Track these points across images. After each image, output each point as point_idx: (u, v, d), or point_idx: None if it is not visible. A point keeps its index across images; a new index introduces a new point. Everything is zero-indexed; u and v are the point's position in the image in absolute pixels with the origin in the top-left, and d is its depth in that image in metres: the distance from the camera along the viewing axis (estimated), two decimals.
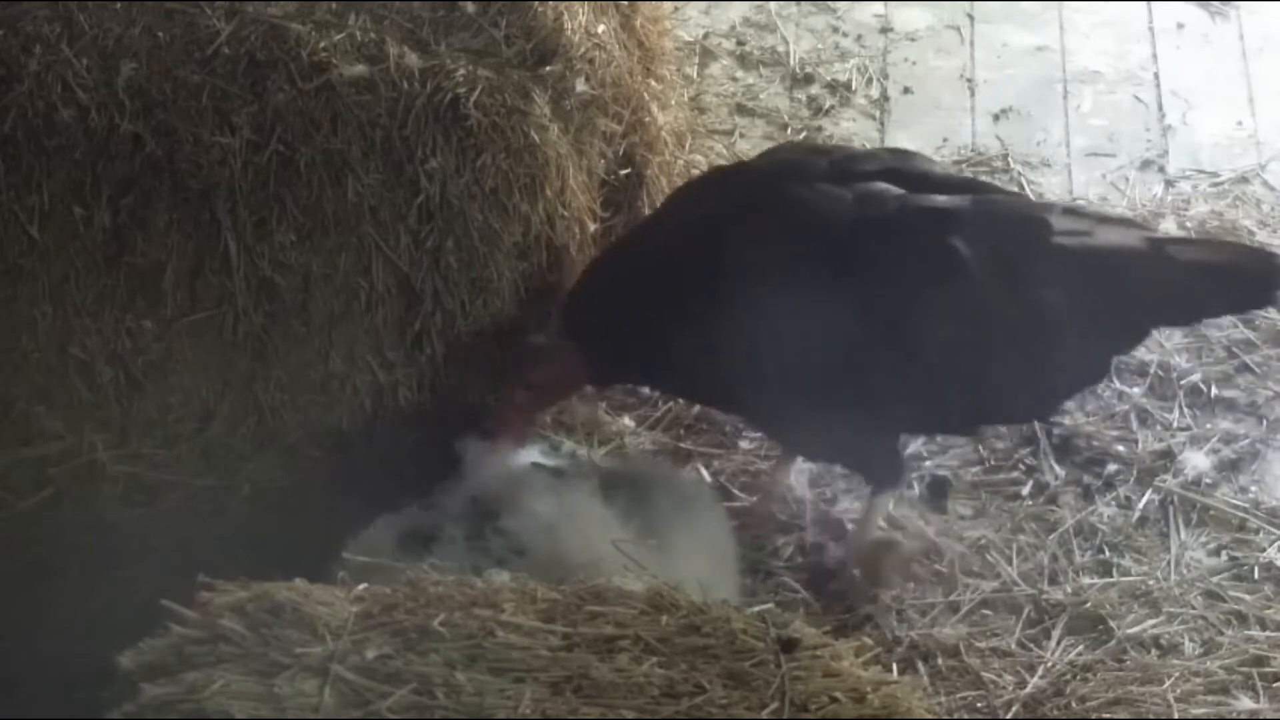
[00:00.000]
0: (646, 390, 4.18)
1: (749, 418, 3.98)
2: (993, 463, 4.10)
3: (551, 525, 3.42)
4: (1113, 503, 4.01)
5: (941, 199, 3.64)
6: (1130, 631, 3.73)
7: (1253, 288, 3.79)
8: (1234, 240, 4.45)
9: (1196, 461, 4.09)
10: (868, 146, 4.66)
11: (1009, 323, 3.61)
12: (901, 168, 3.73)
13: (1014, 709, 3.58)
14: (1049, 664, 3.66)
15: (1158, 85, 5.08)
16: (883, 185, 3.63)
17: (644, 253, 3.75)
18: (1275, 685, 3.63)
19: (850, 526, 3.89)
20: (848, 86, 5.05)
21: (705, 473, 4.01)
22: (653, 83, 4.21)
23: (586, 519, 3.46)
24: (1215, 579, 3.85)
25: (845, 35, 5.23)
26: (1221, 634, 3.74)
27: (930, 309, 3.58)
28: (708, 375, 3.66)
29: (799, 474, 4.00)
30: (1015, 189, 4.71)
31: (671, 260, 3.65)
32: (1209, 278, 3.73)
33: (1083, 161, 4.86)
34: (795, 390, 3.58)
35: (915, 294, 3.58)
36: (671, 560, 3.34)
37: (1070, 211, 3.86)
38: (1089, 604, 3.79)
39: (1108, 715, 3.56)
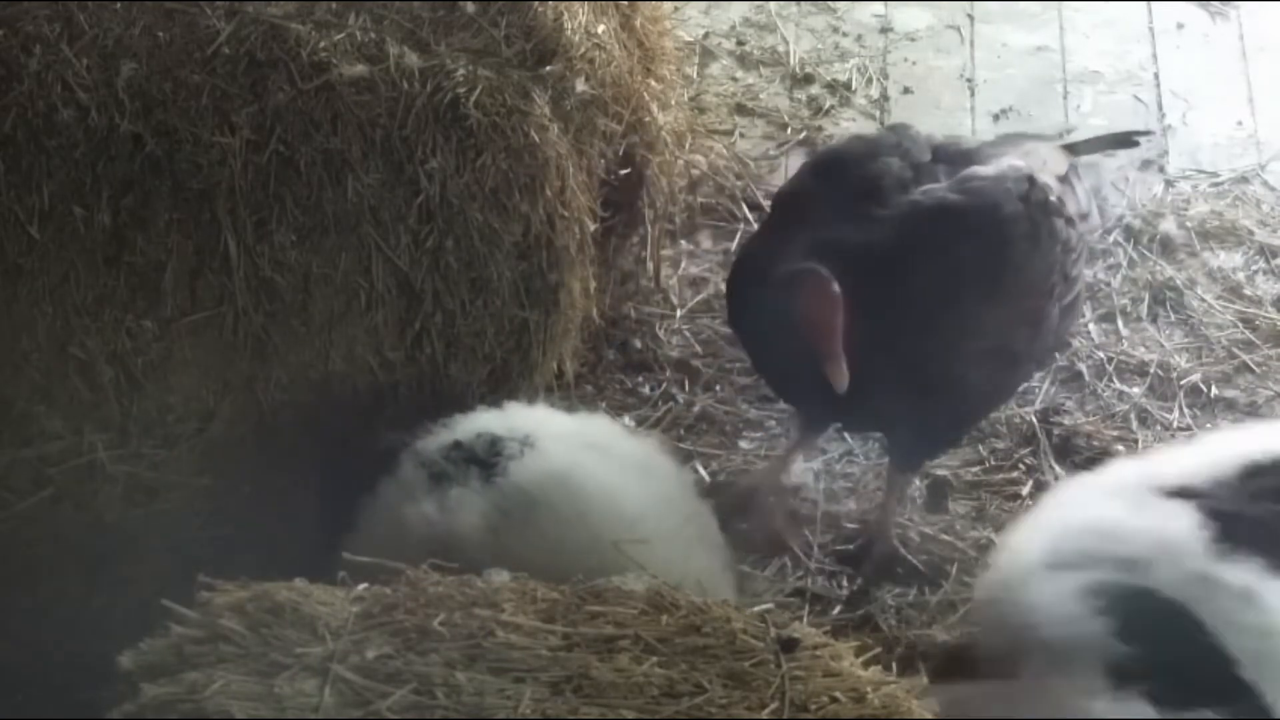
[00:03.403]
0: (647, 390, 4.18)
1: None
2: (993, 463, 4.10)
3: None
4: None
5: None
6: None
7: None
8: None
9: None
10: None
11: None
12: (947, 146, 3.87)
13: None
14: None
15: (1158, 85, 5.08)
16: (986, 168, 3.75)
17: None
18: None
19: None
20: (848, 86, 5.05)
21: (704, 472, 4.01)
22: (653, 83, 4.21)
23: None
24: None
25: (845, 35, 5.23)
26: None
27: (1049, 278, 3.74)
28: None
29: (803, 472, 4.01)
30: None
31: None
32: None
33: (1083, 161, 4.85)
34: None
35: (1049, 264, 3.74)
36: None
37: None
38: None
39: None
